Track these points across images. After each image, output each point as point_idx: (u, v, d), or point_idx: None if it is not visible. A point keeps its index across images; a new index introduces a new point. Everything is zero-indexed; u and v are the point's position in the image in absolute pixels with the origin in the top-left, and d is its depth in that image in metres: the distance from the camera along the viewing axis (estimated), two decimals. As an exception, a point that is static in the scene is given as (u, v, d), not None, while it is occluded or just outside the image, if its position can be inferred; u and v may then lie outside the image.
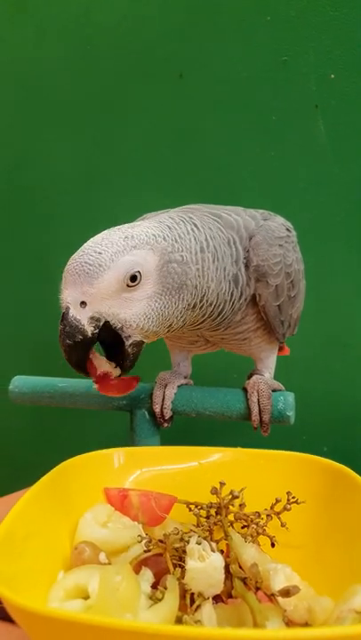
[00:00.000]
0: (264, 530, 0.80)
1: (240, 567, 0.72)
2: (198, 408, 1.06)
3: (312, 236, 1.36)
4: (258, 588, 0.68)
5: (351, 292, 1.47)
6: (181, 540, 0.74)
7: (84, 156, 1.66)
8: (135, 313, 0.83)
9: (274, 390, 1.06)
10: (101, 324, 0.82)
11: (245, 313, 1.01)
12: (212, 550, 0.70)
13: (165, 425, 1.08)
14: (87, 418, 1.62)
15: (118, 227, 0.86)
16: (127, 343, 0.84)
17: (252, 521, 0.81)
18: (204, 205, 1.04)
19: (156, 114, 1.56)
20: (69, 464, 0.85)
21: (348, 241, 1.45)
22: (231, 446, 0.93)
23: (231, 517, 0.82)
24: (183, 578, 0.68)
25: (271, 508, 0.81)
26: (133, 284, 0.82)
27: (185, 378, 1.14)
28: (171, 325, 0.89)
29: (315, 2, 1.37)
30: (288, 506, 0.81)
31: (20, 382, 1.17)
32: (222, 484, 0.82)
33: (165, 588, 0.67)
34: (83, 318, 0.80)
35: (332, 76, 1.38)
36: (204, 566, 0.68)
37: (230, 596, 0.70)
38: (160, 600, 0.65)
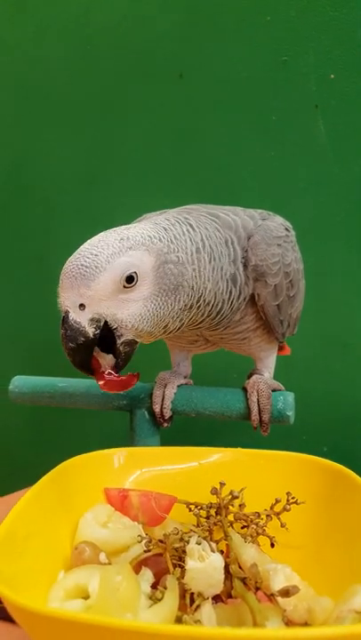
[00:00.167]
0: (264, 530, 0.80)
1: (240, 567, 0.72)
2: (198, 408, 1.06)
3: (312, 236, 1.36)
4: (258, 588, 0.68)
5: (351, 292, 1.47)
6: (181, 540, 0.74)
7: (84, 156, 1.66)
8: (131, 313, 0.83)
9: (274, 390, 1.06)
10: (102, 324, 0.82)
11: (245, 312, 1.01)
12: (212, 550, 0.71)
13: (165, 425, 1.09)
14: (87, 418, 1.62)
15: (114, 229, 0.86)
16: (119, 342, 0.85)
17: (251, 521, 0.81)
18: (203, 206, 1.04)
19: (156, 114, 1.56)
20: (70, 464, 0.85)
21: (348, 241, 1.45)
22: (231, 446, 0.93)
23: (231, 518, 0.82)
24: (183, 578, 0.68)
25: (271, 508, 0.82)
26: (130, 285, 0.82)
27: (185, 378, 1.14)
28: (167, 326, 0.90)
29: (315, 2, 1.37)
30: (288, 506, 0.81)
31: (20, 382, 1.17)
32: (222, 484, 0.83)
33: (165, 588, 0.67)
34: (83, 320, 0.81)
35: (332, 76, 1.38)
36: (204, 566, 0.68)
37: (230, 596, 0.70)
38: (160, 600, 0.65)
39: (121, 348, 0.85)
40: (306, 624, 0.64)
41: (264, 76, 1.44)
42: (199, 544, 0.71)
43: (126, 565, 0.69)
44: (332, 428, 1.51)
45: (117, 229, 0.86)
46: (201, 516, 0.82)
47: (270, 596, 0.67)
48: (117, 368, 0.87)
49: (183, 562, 0.70)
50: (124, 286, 0.81)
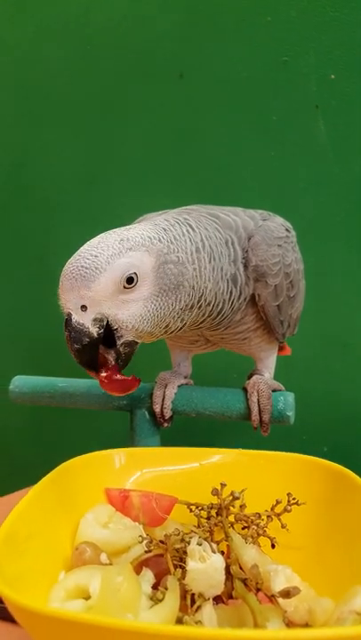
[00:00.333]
0: (265, 531, 0.80)
1: (241, 568, 0.72)
2: (198, 408, 1.06)
3: (312, 236, 1.36)
4: (258, 589, 0.68)
5: (351, 292, 1.47)
6: (182, 540, 0.74)
7: (84, 156, 1.66)
8: (131, 314, 0.83)
9: (274, 390, 1.06)
10: (105, 323, 0.82)
11: (245, 313, 1.02)
12: (213, 551, 0.71)
13: (165, 425, 1.09)
14: (87, 418, 1.62)
15: (114, 230, 0.86)
16: (119, 343, 0.85)
17: (252, 522, 0.81)
18: (203, 206, 1.04)
19: (156, 114, 1.56)
20: (70, 464, 0.85)
21: (348, 241, 1.45)
22: (231, 446, 0.93)
23: (232, 518, 0.82)
24: (184, 578, 0.68)
25: (272, 509, 0.81)
26: (130, 285, 0.82)
27: (185, 378, 1.14)
28: (168, 326, 0.90)
29: (315, 2, 1.37)
30: (289, 507, 0.81)
31: (20, 382, 1.17)
32: (223, 485, 0.83)
33: (166, 589, 0.67)
34: (86, 321, 0.81)
35: (333, 76, 1.38)
36: (205, 567, 0.68)
37: (231, 597, 0.70)
38: (161, 601, 0.65)
39: (121, 349, 0.86)
40: (307, 625, 0.64)
41: (265, 77, 1.44)
42: (200, 545, 0.71)
43: (127, 566, 0.69)
44: (332, 428, 1.51)
45: (117, 230, 0.86)
46: (202, 517, 0.82)
47: (271, 597, 0.67)
48: (118, 369, 0.87)
49: (184, 562, 0.70)
50: (125, 287, 0.81)
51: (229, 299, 0.96)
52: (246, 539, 0.77)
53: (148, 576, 0.72)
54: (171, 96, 1.54)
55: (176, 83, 1.52)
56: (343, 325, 1.48)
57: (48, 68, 1.65)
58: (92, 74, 1.61)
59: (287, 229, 1.06)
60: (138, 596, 0.65)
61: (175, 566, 0.71)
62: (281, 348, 1.20)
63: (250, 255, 0.97)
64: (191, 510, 0.83)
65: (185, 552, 0.72)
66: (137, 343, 0.88)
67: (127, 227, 0.89)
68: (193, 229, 0.92)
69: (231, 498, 0.82)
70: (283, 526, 0.80)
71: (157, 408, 1.07)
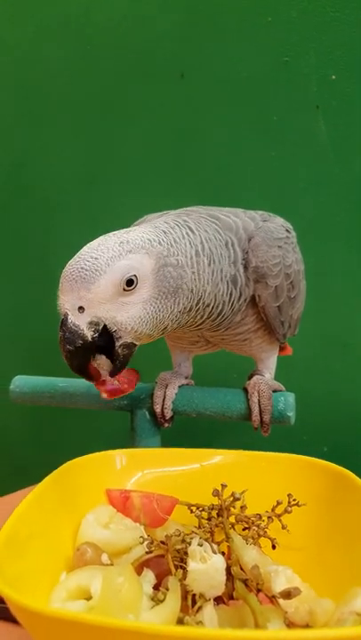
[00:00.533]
0: (265, 532, 0.80)
1: (241, 569, 0.72)
2: (199, 408, 1.07)
3: (312, 236, 1.36)
4: (259, 590, 0.68)
5: (351, 292, 1.47)
6: (183, 541, 0.74)
7: (84, 156, 1.66)
8: (131, 316, 0.83)
9: (274, 391, 1.06)
10: (100, 328, 0.82)
11: (245, 314, 1.02)
12: (214, 552, 0.71)
13: (166, 425, 1.09)
14: (88, 418, 1.62)
15: (114, 232, 0.86)
16: (117, 344, 0.85)
17: (253, 523, 0.81)
18: (203, 207, 1.04)
19: (156, 114, 1.56)
20: (71, 465, 0.85)
21: (348, 241, 1.45)
22: (231, 446, 0.93)
23: (232, 519, 0.82)
24: (185, 579, 0.68)
25: (272, 510, 0.82)
26: (130, 288, 0.82)
27: (186, 378, 1.15)
28: (165, 328, 0.90)
29: (316, 3, 1.37)
30: (289, 508, 0.81)
31: (20, 382, 1.17)
32: (224, 485, 0.83)
33: (167, 590, 0.67)
34: (82, 323, 0.80)
35: (334, 76, 1.38)
36: (206, 568, 0.68)
37: (231, 598, 0.70)
38: (162, 601, 0.65)
39: (119, 351, 0.85)
40: (307, 626, 0.65)
41: (265, 77, 1.44)
42: (201, 545, 0.71)
43: (128, 566, 0.69)
44: (332, 428, 1.51)
45: (117, 233, 0.86)
46: (203, 518, 0.82)
47: (272, 598, 0.67)
48: (115, 371, 0.87)
49: (185, 563, 0.71)
50: (124, 289, 0.81)
51: (229, 300, 0.96)
52: (247, 539, 0.77)
53: (149, 577, 0.72)
54: (171, 96, 1.54)
55: (176, 83, 1.52)
56: (343, 325, 1.48)
57: (48, 68, 1.65)
58: (92, 74, 1.61)
59: (287, 230, 1.06)
60: (139, 597, 0.65)
61: (176, 567, 0.72)
62: (282, 348, 1.20)
63: (250, 256, 0.97)
64: (192, 511, 0.84)
65: (186, 553, 0.72)
66: (135, 345, 0.87)
67: (127, 229, 0.89)
68: (193, 232, 0.92)
69: (232, 499, 0.82)
70: (283, 527, 0.81)
71: (158, 408, 1.07)
